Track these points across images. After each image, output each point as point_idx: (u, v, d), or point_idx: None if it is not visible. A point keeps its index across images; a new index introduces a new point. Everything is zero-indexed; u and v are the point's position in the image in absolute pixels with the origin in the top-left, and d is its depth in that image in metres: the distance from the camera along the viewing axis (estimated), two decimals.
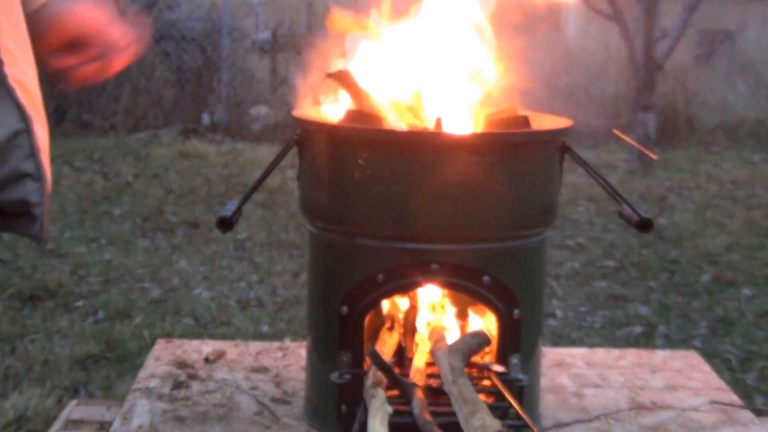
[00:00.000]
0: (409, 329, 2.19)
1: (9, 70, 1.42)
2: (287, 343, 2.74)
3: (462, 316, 2.21)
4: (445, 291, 2.16)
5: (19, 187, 1.46)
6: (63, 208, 6.30)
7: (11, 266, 5.05)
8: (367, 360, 2.04)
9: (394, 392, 1.95)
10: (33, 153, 1.45)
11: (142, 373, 2.42)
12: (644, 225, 1.97)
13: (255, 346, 2.64)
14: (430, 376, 2.05)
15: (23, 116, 1.44)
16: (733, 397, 2.36)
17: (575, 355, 2.63)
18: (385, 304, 2.17)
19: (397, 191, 2.00)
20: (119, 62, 1.61)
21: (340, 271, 2.10)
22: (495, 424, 1.75)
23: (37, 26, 1.54)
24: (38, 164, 1.46)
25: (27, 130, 1.44)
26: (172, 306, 4.55)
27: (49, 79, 1.65)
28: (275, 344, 2.68)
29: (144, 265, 5.17)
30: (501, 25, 2.23)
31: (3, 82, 1.41)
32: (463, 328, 2.19)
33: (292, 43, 9.92)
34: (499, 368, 2.06)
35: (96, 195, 6.71)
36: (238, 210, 2.01)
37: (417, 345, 2.16)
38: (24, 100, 1.44)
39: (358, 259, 2.07)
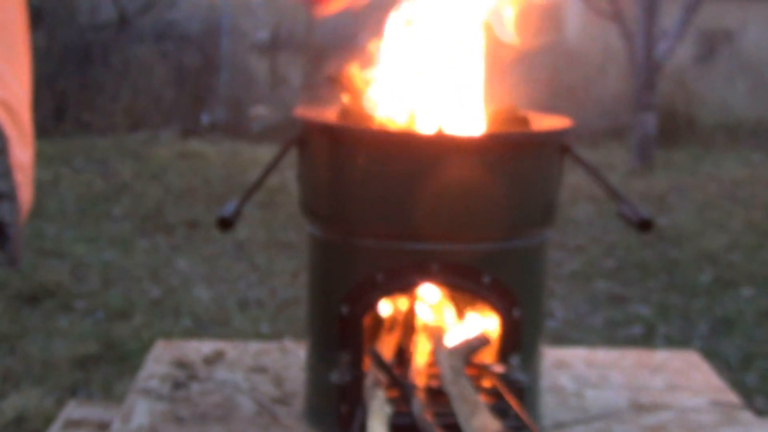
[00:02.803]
0: (409, 329, 2.18)
1: None
2: (287, 343, 2.73)
3: (462, 316, 2.21)
4: (445, 291, 2.15)
5: None
6: (63, 208, 6.30)
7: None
8: (367, 360, 2.03)
9: (394, 392, 1.95)
10: (7, 173, 1.43)
11: (141, 374, 2.42)
12: (644, 225, 1.96)
13: (254, 346, 2.63)
14: (430, 376, 2.04)
15: (0, 136, 1.41)
16: (733, 397, 2.36)
17: (575, 355, 2.63)
18: (385, 304, 2.17)
19: (397, 191, 1.99)
20: None
21: (339, 271, 2.10)
22: (495, 424, 1.75)
23: None
24: (11, 184, 1.44)
25: (2, 150, 1.42)
26: (171, 306, 4.55)
27: None
28: (275, 344, 2.68)
29: (143, 265, 5.17)
30: (501, 26, 2.23)
31: None
32: (462, 328, 2.19)
33: (291, 43, 9.92)
34: (499, 368, 2.06)
35: (95, 195, 6.71)
36: (238, 210, 2.00)
37: (417, 345, 2.15)
38: (4, 119, 1.41)
39: (358, 259, 2.07)
